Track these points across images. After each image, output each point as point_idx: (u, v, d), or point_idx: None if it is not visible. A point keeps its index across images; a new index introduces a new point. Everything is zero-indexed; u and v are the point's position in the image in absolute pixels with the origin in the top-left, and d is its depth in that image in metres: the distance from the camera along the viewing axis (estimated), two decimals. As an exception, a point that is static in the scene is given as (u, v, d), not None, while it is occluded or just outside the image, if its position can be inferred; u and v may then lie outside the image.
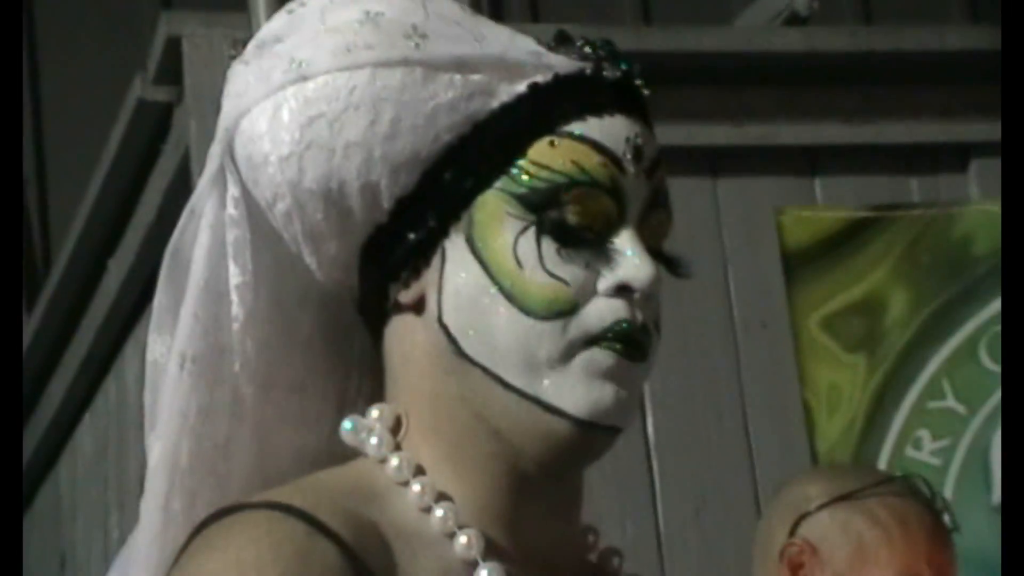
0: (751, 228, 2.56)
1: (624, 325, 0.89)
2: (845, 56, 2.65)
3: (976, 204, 2.69)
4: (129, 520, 2.86)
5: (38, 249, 3.84)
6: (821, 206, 2.62)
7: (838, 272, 2.59)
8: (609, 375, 0.89)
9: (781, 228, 2.58)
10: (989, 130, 2.72)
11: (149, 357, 0.96)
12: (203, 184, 0.94)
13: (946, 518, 1.70)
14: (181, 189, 2.46)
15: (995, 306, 2.66)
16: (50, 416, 3.32)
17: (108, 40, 3.43)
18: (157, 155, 2.57)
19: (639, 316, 0.90)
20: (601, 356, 0.89)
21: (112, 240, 2.84)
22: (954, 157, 2.72)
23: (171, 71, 2.44)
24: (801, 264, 2.58)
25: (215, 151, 0.93)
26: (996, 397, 2.63)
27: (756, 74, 2.61)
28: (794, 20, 2.70)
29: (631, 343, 0.89)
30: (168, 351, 0.94)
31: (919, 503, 1.69)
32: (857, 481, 1.69)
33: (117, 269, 2.85)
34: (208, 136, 2.56)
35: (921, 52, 2.68)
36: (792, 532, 1.65)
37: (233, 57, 2.83)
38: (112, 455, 2.99)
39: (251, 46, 0.95)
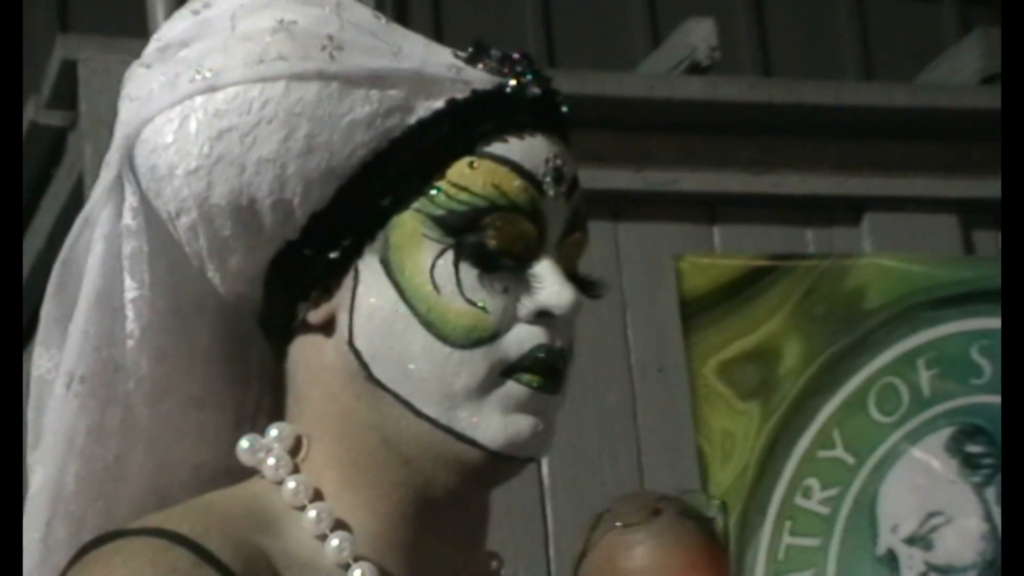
0: (650, 273, 2.57)
1: (543, 352, 0.87)
2: (745, 107, 2.67)
3: (868, 257, 2.73)
4: None
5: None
6: (719, 253, 2.64)
7: (734, 320, 2.61)
8: (526, 408, 0.87)
9: (680, 274, 2.59)
10: (882, 185, 2.76)
11: (34, 372, 0.91)
12: (98, 192, 0.90)
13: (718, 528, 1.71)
14: (73, 215, 2.39)
15: (884, 358, 2.70)
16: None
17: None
18: (49, 180, 2.51)
19: (557, 342, 0.88)
20: (518, 391, 0.87)
21: (-2, 266, 2.77)
22: (848, 210, 2.76)
23: (66, 95, 2.39)
24: (699, 311, 2.59)
25: (113, 158, 0.89)
26: (883, 448, 2.66)
27: (658, 121, 2.62)
28: (695, 69, 2.72)
29: (548, 372, 0.87)
30: (55, 367, 0.89)
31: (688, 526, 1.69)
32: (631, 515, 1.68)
33: (2, 296, 2.77)
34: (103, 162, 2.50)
35: (818, 106, 2.72)
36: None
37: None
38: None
39: (152, 48, 0.90)
